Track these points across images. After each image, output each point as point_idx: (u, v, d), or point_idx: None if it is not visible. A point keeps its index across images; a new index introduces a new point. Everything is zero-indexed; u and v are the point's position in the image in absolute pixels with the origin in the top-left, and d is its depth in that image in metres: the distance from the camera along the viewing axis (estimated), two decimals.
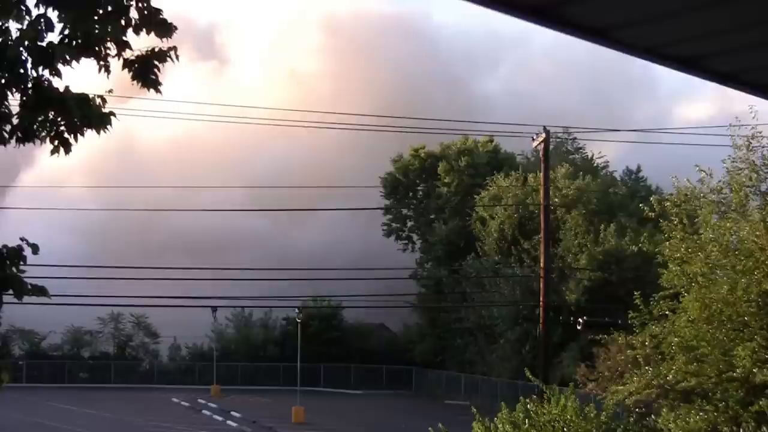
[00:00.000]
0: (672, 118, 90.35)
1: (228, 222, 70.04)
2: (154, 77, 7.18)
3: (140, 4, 6.93)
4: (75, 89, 7.03)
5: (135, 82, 7.16)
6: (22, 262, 7.10)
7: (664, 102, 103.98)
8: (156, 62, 7.14)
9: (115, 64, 7.09)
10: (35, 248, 7.16)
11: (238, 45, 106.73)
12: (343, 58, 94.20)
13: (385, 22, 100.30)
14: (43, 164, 78.12)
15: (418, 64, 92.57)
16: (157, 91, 7.26)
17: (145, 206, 59.29)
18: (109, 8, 6.83)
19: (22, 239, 7.15)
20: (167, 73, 7.73)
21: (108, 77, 7.06)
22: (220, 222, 69.32)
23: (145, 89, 7.25)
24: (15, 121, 7.06)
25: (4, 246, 7.08)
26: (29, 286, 7.11)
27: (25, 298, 7.15)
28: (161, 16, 6.98)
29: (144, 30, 6.99)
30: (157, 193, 64.05)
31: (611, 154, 67.32)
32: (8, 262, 7.04)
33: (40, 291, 7.17)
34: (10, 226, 37.39)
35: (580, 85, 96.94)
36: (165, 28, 7.03)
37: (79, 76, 7.56)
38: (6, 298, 7.14)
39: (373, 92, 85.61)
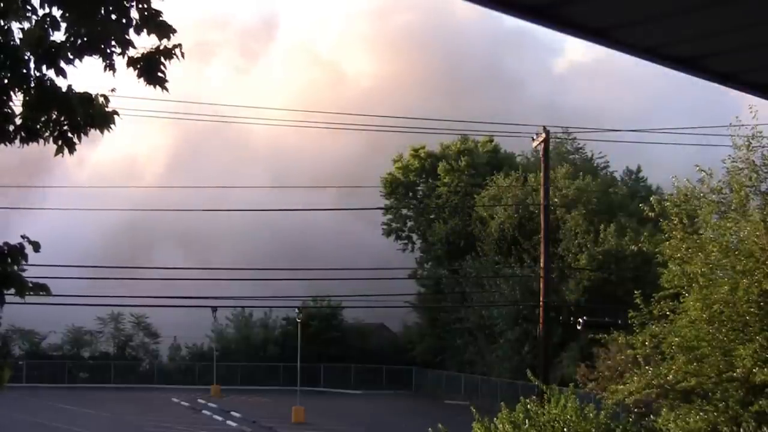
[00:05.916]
0: None
1: (239, 221, 69.85)
2: (161, 75, 7.18)
3: (140, 5, 6.93)
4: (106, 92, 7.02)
5: (140, 80, 7.16)
6: (23, 260, 7.07)
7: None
8: (162, 60, 7.14)
9: (121, 63, 7.09)
10: (36, 246, 7.11)
11: (271, 44, 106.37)
12: (385, 53, 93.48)
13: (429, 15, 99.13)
14: (94, 162, 78.51)
15: (465, 59, 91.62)
16: (164, 89, 7.24)
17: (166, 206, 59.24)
18: (110, 8, 6.84)
19: (23, 237, 7.10)
20: (178, 71, 7.72)
21: (114, 75, 7.07)
22: (226, 221, 69.19)
23: (151, 87, 7.24)
24: (18, 121, 7.06)
25: (6, 244, 7.05)
26: (30, 284, 7.06)
27: (27, 297, 7.09)
28: (161, 18, 6.98)
29: (144, 31, 7.00)
30: (179, 193, 64.12)
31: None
32: (10, 260, 7.02)
33: (41, 288, 7.10)
34: (41, 225, 37.46)
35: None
36: (164, 30, 7.03)
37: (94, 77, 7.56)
38: (8, 298, 7.11)
39: (419, 86, 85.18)
